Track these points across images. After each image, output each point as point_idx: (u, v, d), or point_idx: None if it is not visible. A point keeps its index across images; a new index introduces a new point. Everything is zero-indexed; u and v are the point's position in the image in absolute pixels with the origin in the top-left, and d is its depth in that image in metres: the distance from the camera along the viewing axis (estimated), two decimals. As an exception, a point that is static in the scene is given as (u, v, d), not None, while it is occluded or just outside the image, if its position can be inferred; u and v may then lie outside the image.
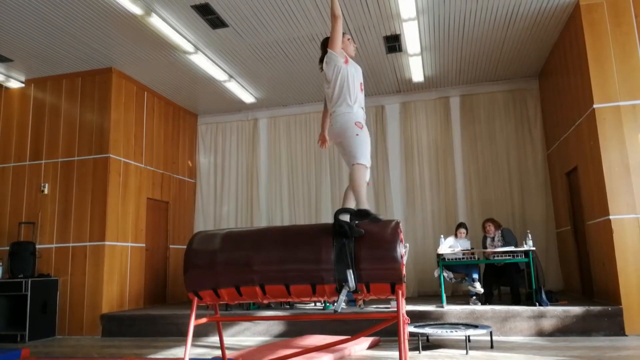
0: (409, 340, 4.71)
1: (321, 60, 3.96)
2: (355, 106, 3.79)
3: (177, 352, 5.89)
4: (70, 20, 6.66)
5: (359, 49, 7.74)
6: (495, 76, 9.19)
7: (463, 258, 6.97)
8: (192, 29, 7.01)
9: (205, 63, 7.98)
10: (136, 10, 6.34)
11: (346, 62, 3.85)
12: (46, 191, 8.08)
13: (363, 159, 3.68)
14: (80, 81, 8.30)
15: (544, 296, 6.33)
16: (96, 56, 7.75)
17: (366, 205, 3.58)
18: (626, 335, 5.81)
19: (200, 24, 6.87)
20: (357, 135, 3.71)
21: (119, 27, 6.87)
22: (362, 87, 3.94)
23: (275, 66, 8.31)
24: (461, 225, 7.68)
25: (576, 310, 5.99)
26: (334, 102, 3.84)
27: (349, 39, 4.02)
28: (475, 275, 7.00)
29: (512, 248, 6.84)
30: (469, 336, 5.30)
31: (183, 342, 5.91)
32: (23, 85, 8.53)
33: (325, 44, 3.91)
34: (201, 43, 7.45)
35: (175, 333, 7.01)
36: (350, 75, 3.82)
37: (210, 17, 6.69)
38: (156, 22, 6.64)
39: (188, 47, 7.40)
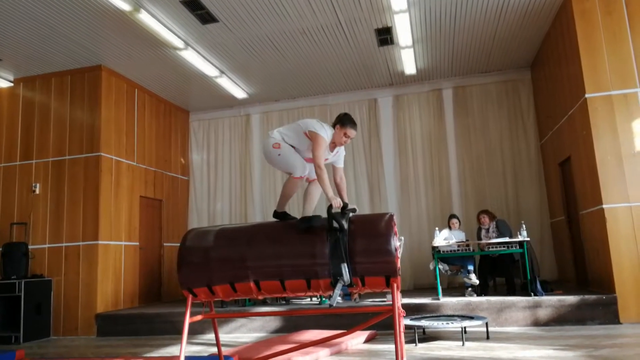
0: (405, 333, 4.71)
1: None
2: (274, 131, 3.92)
3: (173, 350, 5.87)
4: (58, 18, 6.57)
5: (349, 41, 7.71)
6: (487, 67, 9.18)
7: (458, 250, 6.97)
8: (181, 24, 6.94)
9: (195, 59, 7.91)
10: (125, 6, 6.26)
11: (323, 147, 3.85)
12: (37, 191, 8.00)
13: (298, 172, 3.83)
14: (70, 79, 8.21)
15: (539, 286, 6.35)
16: (85, 54, 7.67)
17: (285, 209, 3.94)
18: (621, 324, 5.84)
19: (189, 20, 6.81)
20: (279, 155, 3.83)
21: (107, 23, 6.79)
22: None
23: (266, 61, 8.26)
24: (453, 216, 7.72)
25: (571, 299, 6.01)
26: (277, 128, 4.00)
27: (345, 133, 3.92)
28: (471, 267, 7.01)
29: (506, 239, 6.85)
30: (465, 327, 5.31)
31: (179, 340, 5.89)
32: (11, 84, 8.43)
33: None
34: (191, 39, 7.38)
35: (171, 331, 6.99)
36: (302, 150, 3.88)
37: (200, 12, 6.63)
38: (145, 18, 6.57)
39: (178, 43, 7.33)
